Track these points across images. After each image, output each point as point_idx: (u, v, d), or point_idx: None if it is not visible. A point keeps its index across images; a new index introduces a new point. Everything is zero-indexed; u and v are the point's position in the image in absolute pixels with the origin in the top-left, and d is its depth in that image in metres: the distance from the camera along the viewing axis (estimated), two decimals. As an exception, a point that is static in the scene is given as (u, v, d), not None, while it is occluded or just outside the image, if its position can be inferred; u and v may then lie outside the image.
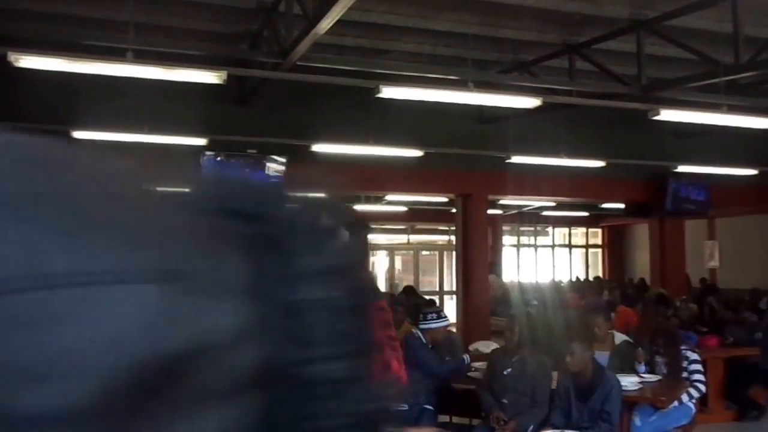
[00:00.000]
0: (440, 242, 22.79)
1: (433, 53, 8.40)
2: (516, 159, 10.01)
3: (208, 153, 8.88)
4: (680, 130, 10.88)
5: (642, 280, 14.85)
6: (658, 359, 5.96)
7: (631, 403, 5.34)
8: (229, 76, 5.71)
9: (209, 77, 5.34)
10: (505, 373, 5.05)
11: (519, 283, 17.31)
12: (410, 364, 5.30)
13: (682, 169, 11.28)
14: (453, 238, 19.04)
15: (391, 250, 22.31)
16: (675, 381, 5.69)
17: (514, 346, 5.14)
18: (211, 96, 8.71)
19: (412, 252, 22.08)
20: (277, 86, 8.44)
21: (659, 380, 5.83)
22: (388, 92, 5.81)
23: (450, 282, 21.63)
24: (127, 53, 5.07)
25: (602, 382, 4.83)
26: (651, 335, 6.24)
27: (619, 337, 6.38)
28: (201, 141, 8.49)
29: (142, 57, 5.26)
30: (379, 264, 22.67)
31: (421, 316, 5.65)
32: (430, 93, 6.08)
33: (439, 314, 5.62)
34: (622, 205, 13.85)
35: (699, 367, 5.83)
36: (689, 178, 11.59)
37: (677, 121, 8.12)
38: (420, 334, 5.44)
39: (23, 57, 4.82)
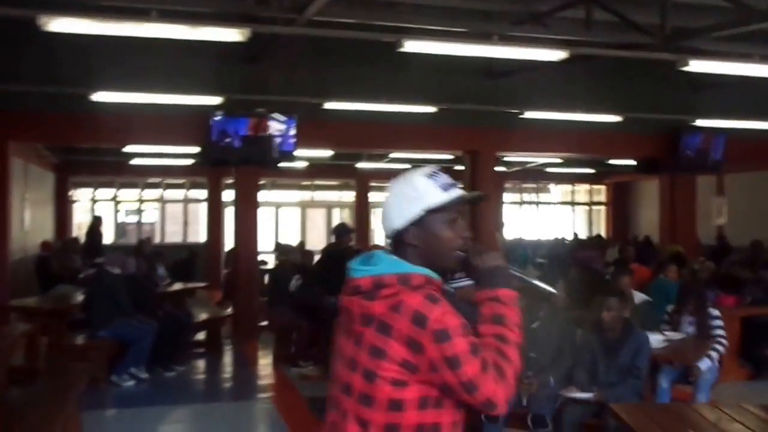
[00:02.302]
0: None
1: (443, 5, 8.11)
2: (527, 114, 9.79)
3: (217, 112, 8.72)
4: (696, 83, 10.61)
5: (647, 237, 14.74)
6: (683, 317, 5.89)
7: (655, 362, 5.29)
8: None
9: (233, 35, 5.19)
10: (533, 326, 4.96)
11: (522, 240, 17.22)
12: None
13: (697, 123, 11.02)
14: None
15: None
16: (702, 340, 5.63)
17: (563, 303, 5.02)
18: (221, 54, 8.49)
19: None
20: (287, 43, 8.20)
21: (683, 339, 5.77)
22: (410, 46, 5.59)
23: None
24: (151, 12, 5.00)
25: (631, 337, 4.71)
26: (679, 293, 6.15)
27: (639, 296, 6.28)
28: (214, 100, 8.34)
29: (161, 16, 5.16)
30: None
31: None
32: (452, 47, 5.86)
33: None
34: (630, 161, 13.60)
35: (721, 323, 5.75)
36: (704, 133, 11.23)
37: (694, 74, 7.76)
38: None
39: (53, 20, 4.90)
